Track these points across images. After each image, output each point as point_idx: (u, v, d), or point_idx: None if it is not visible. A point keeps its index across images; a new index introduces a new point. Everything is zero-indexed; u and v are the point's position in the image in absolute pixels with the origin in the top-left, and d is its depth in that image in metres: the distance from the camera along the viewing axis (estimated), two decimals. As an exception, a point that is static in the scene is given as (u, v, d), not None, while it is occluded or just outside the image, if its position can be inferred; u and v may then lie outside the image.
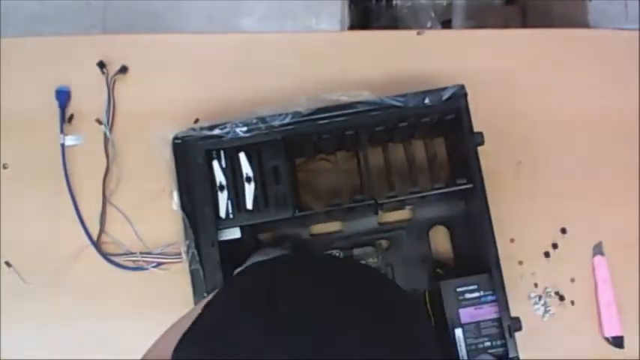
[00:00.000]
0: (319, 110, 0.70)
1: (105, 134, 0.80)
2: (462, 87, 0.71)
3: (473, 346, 0.69)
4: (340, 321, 0.36)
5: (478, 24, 1.38)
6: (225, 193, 0.71)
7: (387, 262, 0.77)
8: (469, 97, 0.71)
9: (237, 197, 0.71)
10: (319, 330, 0.35)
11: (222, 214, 0.70)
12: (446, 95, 0.71)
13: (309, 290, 0.38)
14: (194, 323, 0.38)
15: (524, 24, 1.34)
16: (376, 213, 0.77)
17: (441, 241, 0.79)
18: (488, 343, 0.69)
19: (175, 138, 0.71)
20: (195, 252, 0.69)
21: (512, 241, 0.79)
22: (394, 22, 1.43)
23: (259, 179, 0.71)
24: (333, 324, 0.36)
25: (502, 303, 0.68)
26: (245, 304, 0.38)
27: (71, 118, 0.81)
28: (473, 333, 0.69)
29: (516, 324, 0.68)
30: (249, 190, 0.71)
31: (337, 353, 0.34)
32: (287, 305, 0.36)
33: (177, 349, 0.37)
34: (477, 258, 0.73)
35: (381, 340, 0.37)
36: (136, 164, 0.80)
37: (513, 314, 0.68)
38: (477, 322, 0.69)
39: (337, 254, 0.77)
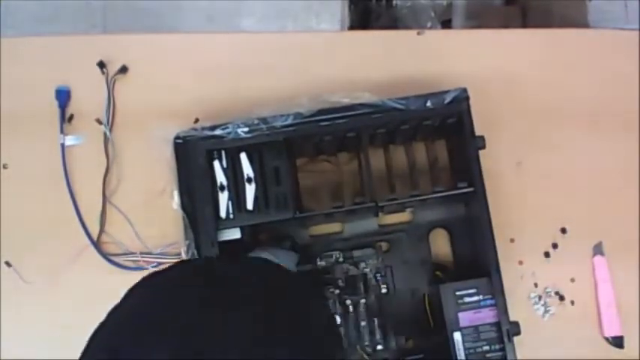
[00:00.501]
0: (321, 112, 0.70)
1: (105, 134, 0.80)
2: (464, 90, 0.71)
3: (471, 350, 0.68)
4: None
5: (478, 24, 1.38)
6: (226, 193, 0.71)
7: (387, 264, 0.77)
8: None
9: (237, 197, 0.71)
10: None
11: (223, 214, 0.70)
12: (448, 98, 0.70)
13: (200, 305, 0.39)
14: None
15: (524, 24, 1.33)
16: (376, 215, 0.77)
17: (440, 243, 0.79)
18: (486, 347, 0.69)
19: (177, 138, 0.71)
20: (195, 252, 0.69)
21: (512, 241, 0.79)
22: (394, 22, 1.42)
23: (260, 180, 0.71)
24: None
25: (501, 307, 0.68)
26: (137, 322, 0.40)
27: (71, 118, 0.81)
28: (471, 337, 0.69)
29: (515, 328, 0.68)
30: (250, 190, 0.71)
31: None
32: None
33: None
34: (477, 261, 0.73)
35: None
36: (136, 164, 0.80)
37: (513, 314, 0.68)
38: (476, 326, 0.69)
39: (337, 256, 0.77)
